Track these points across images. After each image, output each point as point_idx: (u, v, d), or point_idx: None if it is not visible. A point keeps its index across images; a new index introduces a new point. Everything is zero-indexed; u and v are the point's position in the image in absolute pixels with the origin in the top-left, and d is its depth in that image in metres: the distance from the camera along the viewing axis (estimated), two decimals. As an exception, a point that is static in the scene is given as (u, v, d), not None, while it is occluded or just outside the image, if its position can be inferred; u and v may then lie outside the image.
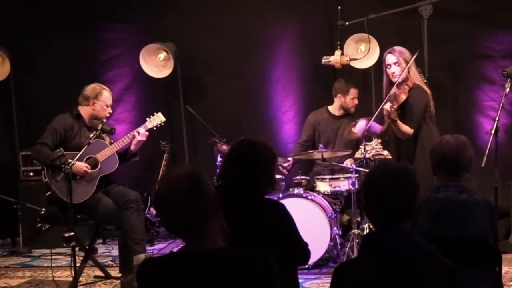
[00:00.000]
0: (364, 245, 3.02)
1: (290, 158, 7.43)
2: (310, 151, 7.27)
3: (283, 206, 3.91)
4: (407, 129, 6.01)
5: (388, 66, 6.13)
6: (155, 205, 2.84)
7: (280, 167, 7.31)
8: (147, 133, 6.47)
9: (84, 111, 6.43)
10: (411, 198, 2.92)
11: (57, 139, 6.28)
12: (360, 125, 6.32)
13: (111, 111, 6.53)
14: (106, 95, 6.44)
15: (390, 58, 6.14)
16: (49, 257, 6.77)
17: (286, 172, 7.31)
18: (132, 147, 6.45)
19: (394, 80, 6.11)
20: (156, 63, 8.37)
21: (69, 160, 5.88)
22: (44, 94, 8.69)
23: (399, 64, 6.11)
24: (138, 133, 6.39)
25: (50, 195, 6.22)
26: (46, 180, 6.24)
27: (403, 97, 6.00)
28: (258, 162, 3.78)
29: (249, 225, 3.64)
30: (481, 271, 3.75)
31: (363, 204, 2.98)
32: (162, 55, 8.34)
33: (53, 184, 6.17)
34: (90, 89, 6.44)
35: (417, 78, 6.23)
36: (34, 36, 8.75)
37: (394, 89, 6.01)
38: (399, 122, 5.94)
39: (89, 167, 6.24)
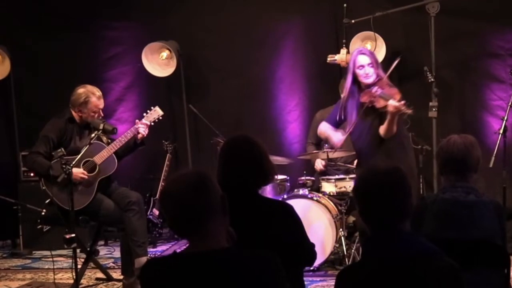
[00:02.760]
0: (367, 248, 3.00)
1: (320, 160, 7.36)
2: (315, 151, 7.21)
3: (291, 207, 3.87)
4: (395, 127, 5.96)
5: (361, 67, 6.01)
6: (161, 202, 2.83)
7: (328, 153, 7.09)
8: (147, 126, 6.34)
9: (75, 115, 6.33)
10: (403, 198, 2.89)
11: (50, 146, 6.20)
12: (338, 137, 6.18)
13: (102, 115, 6.35)
14: (93, 103, 6.24)
15: (363, 59, 6.01)
16: (50, 259, 6.70)
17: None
18: (138, 141, 6.36)
19: (366, 81, 6.00)
20: (158, 62, 8.33)
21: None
22: (44, 93, 8.64)
23: (373, 65, 6.01)
24: (139, 132, 6.28)
25: (50, 201, 6.16)
26: (44, 188, 6.18)
27: (397, 95, 5.91)
28: (246, 159, 3.75)
29: (256, 226, 3.61)
30: (489, 273, 3.73)
31: (358, 209, 2.97)
32: (165, 53, 8.30)
33: (52, 191, 6.12)
34: (77, 95, 6.26)
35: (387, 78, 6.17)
36: (35, 34, 8.71)
37: (376, 88, 5.92)
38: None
39: (86, 172, 6.17)
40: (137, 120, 6.38)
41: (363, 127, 6.05)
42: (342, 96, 6.27)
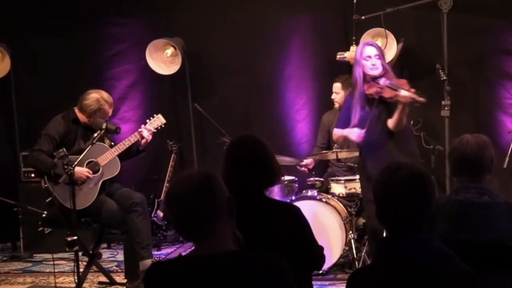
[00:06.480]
0: (379, 251, 2.95)
1: (311, 159, 7.30)
2: (324, 151, 7.15)
3: (298, 209, 3.83)
4: None
5: (368, 58, 5.95)
6: (166, 203, 2.80)
7: (299, 167, 7.32)
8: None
9: (81, 117, 6.30)
10: (425, 203, 2.86)
11: (53, 145, 6.17)
12: (356, 132, 5.96)
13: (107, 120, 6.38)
14: (105, 111, 6.27)
15: (371, 50, 5.98)
16: (51, 263, 6.68)
17: (307, 171, 7.25)
18: (141, 147, 6.37)
19: (373, 72, 5.94)
20: (163, 59, 8.27)
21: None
22: (46, 92, 8.57)
23: (379, 57, 5.98)
24: (142, 137, 6.26)
25: (50, 200, 6.11)
26: (46, 185, 6.14)
27: (406, 85, 5.88)
28: (251, 159, 3.71)
29: (262, 228, 3.58)
30: (503, 276, 3.63)
31: (375, 209, 2.91)
32: (170, 50, 8.24)
33: (55, 189, 6.06)
34: (90, 101, 6.24)
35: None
36: (36, 31, 8.64)
37: (384, 80, 5.88)
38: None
39: (91, 172, 6.14)
40: (142, 125, 6.36)
41: (369, 120, 5.94)
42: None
